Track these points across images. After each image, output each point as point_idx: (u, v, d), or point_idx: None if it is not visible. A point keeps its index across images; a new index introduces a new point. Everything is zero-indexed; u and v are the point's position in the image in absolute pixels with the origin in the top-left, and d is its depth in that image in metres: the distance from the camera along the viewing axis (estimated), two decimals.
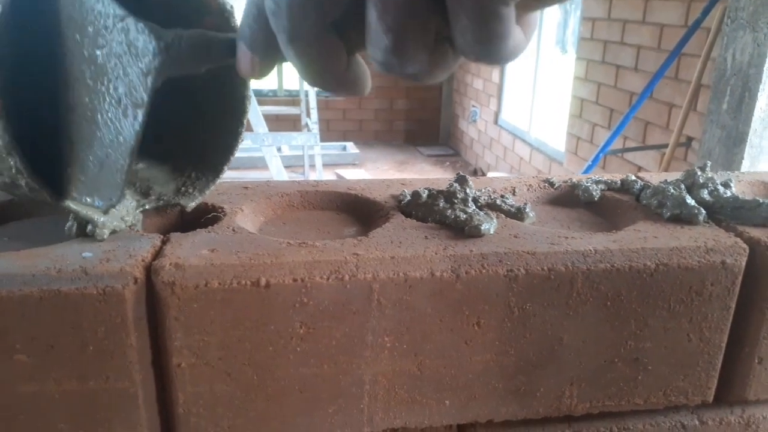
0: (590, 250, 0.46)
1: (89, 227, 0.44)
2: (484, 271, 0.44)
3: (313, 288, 0.43)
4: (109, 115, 0.41)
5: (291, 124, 5.83)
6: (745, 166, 2.54)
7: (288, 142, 4.28)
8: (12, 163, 0.38)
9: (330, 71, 0.30)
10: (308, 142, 4.22)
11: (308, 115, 4.75)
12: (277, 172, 4.01)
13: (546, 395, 0.49)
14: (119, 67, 0.40)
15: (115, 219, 0.45)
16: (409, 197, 0.54)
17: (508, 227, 0.50)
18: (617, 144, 3.30)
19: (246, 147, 3.89)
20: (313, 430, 0.47)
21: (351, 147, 5.82)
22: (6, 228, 0.51)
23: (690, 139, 2.96)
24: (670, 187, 0.54)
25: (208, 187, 0.50)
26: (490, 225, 0.48)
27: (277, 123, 5.59)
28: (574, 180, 0.62)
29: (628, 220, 0.54)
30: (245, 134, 0.55)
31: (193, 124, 0.51)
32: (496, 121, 5.48)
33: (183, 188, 0.50)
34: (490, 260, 0.45)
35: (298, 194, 0.58)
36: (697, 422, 0.53)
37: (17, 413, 0.42)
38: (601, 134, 3.67)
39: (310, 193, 0.59)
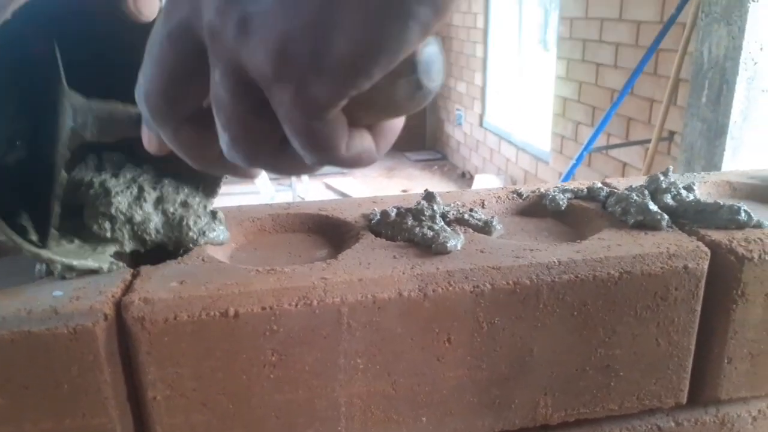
0: (554, 261, 0.47)
1: (56, 271, 0.45)
2: (450, 288, 0.45)
3: (282, 315, 0.43)
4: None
5: None
6: (727, 157, 2.57)
7: None
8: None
9: (198, 156, 0.32)
10: None
11: None
12: (262, 184, 4.02)
13: (521, 406, 0.50)
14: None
15: (102, 261, 0.46)
16: (378, 216, 0.55)
17: (474, 242, 0.51)
18: (601, 141, 3.32)
19: None
20: None
21: None
22: None
23: (672, 133, 2.98)
24: (634, 194, 0.55)
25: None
26: (456, 241, 0.49)
27: None
28: (542, 190, 0.63)
29: (594, 228, 0.55)
30: None
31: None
32: (481, 124, 5.51)
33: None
34: (456, 277, 0.46)
35: (269, 218, 0.59)
36: (672, 424, 0.54)
37: None
38: (585, 132, 3.70)
39: (281, 216, 0.59)
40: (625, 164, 3.42)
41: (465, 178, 5.53)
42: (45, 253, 0.43)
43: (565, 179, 3.07)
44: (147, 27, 0.43)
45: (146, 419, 0.45)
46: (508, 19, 5.16)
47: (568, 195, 0.61)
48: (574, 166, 3.02)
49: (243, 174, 0.34)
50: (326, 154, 0.27)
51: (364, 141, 0.28)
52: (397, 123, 0.30)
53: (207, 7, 0.25)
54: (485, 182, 4.82)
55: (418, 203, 0.56)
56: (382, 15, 0.22)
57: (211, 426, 0.45)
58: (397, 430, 0.48)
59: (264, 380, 0.45)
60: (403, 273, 0.46)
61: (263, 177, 4.01)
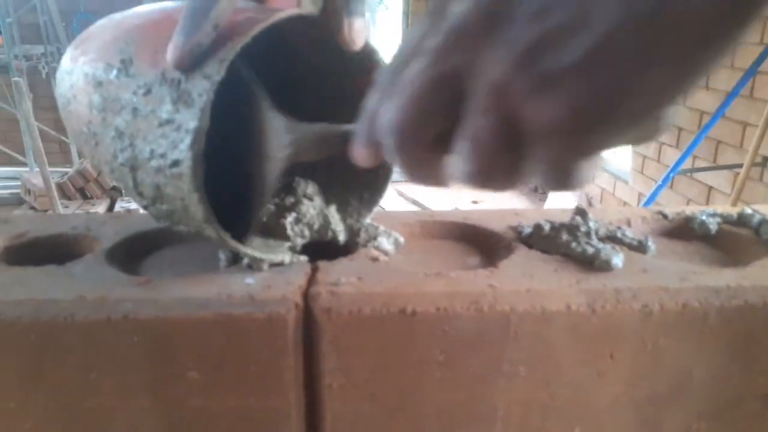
0: (723, 286, 0.47)
1: (253, 264, 0.48)
2: (619, 306, 0.46)
3: (454, 318, 0.45)
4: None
5: None
6: None
7: None
8: (208, 231, 0.43)
9: (420, 173, 0.35)
10: None
11: None
12: None
13: (673, 428, 0.50)
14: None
15: (284, 254, 0.50)
16: (530, 229, 0.56)
17: (633, 261, 0.52)
18: (686, 163, 3.22)
19: None
20: None
21: None
22: (163, 253, 0.56)
23: (766, 159, 2.86)
24: None
25: (362, 220, 0.55)
26: (618, 259, 0.50)
27: None
28: (687, 213, 0.63)
29: (752, 255, 0.54)
30: None
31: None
32: None
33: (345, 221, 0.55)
34: (625, 295, 0.46)
35: (418, 224, 0.61)
36: None
37: (189, 425, 0.46)
38: (669, 153, 3.59)
39: (429, 222, 0.62)
40: (710, 188, 3.30)
41: (537, 192, 5.45)
42: (244, 248, 0.47)
43: (649, 201, 2.98)
44: (338, 52, 0.46)
45: (319, 405, 0.47)
46: None
47: (717, 219, 0.60)
48: (660, 187, 2.94)
49: (441, 184, 0.37)
50: (569, 185, 0.30)
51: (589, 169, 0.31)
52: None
53: (493, 62, 0.27)
54: (559, 198, 4.73)
55: (573, 219, 0.57)
56: (679, 80, 0.25)
57: (376, 417, 0.47)
58: None
59: (430, 378, 0.47)
60: (570, 287, 0.47)
61: None
